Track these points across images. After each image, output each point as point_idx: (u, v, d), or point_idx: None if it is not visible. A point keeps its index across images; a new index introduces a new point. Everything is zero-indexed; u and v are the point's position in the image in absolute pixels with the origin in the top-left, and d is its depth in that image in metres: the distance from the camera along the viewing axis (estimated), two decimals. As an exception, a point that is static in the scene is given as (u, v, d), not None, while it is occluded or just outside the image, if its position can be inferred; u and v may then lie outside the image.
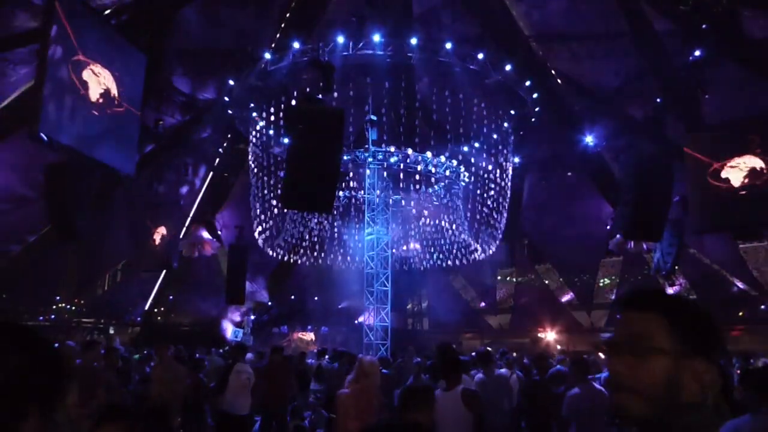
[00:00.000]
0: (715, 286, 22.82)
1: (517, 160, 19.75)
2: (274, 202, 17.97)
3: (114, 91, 13.94)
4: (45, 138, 11.75)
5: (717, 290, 22.83)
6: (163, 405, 6.19)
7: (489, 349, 8.73)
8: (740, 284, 22.41)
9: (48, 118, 11.81)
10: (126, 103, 14.32)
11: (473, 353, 9.07)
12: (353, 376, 5.18)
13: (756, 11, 16.12)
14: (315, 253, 20.83)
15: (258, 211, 18.45)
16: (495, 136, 17.68)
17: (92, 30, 13.38)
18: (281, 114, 16.09)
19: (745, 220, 16.07)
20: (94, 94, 13.37)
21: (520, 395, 8.68)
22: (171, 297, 27.49)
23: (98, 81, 13.43)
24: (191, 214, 23.85)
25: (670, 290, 22.67)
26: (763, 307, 21.93)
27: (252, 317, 26.76)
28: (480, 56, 15.31)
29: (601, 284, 27.93)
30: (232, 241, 22.70)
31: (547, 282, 28.91)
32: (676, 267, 20.75)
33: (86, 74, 13.06)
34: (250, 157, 18.40)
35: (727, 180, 15.68)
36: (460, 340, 27.67)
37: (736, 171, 15.64)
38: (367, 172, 17.95)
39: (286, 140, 16.39)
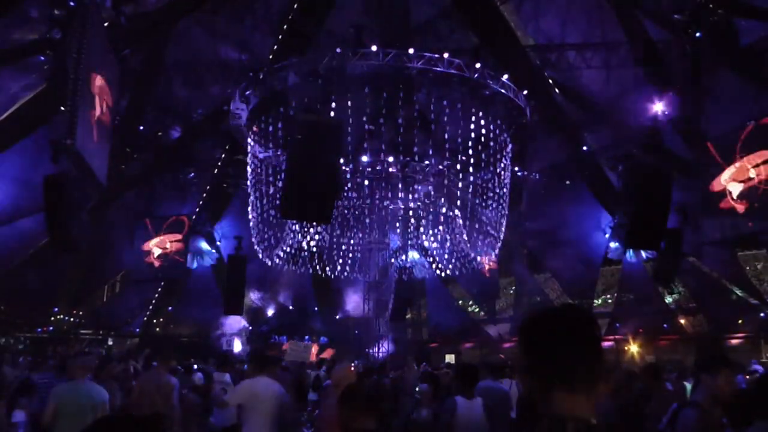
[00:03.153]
0: (714, 295, 22.78)
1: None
2: (273, 212, 17.98)
3: (109, 105, 14.16)
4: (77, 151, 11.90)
5: (716, 299, 22.79)
6: (154, 417, 6.10)
7: (502, 358, 8.73)
8: (739, 292, 22.38)
9: (77, 132, 11.96)
10: (111, 115, 14.57)
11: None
12: (331, 387, 5.25)
13: (752, 21, 16.20)
14: (314, 263, 20.82)
15: (257, 221, 18.45)
16: (493, 145, 17.72)
17: (102, 45, 13.57)
18: (280, 125, 16.13)
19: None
20: (102, 109, 13.61)
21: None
22: (170, 308, 27.42)
23: (105, 96, 13.67)
24: (190, 225, 23.83)
25: (668, 299, 22.69)
26: (762, 315, 21.88)
27: (250, 328, 26.71)
28: (477, 66, 15.37)
29: (601, 293, 27.88)
30: (231, 252, 22.70)
31: (546, 291, 28.86)
32: (675, 276, 20.74)
33: (97, 89, 13.32)
34: (248, 167, 18.42)
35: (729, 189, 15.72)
36: (459, 350, 27.62)
37: (737, 180, 15.68)
38: (366, 182, 17.98)
39: (285, 151, 16.43)
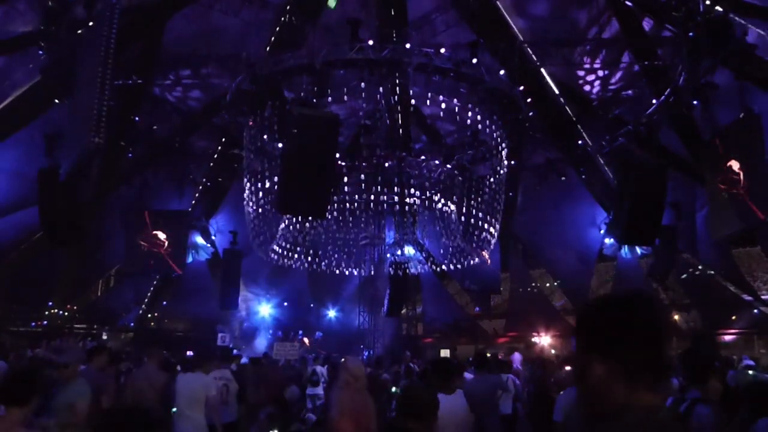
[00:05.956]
0: (708, 291, 22.86)
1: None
2: (269, 207, 17.94)
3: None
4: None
5: (710, 295, 22.87)
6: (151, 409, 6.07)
7: (487, 353, 8.73)
8: (733, 289, 22.47)
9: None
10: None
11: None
12: (342, 380, 5.20)
13: (747, 19, 16.24)
14: (309, 258, 20.81)
15: (252, 215, 18.40)
16: (489, 141, 17.70)
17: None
18: (275, 119, 16.07)
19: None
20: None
21: (513, 401, 8.71)
22: (165, 302, 27.37)
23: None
24: (186, 220, 23.75)
25: (663, 295, 22.77)
26: (755, 311, 21.98)
27: (246, 324, 26.68)
28: (474, 61, 15.33)
29: (596, 289, 27.96)
30: (227, 246, 22.65)
31: (541, 287, 28.93)
32: (670, 272, 20.81)
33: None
34: (244, 161, 18.37)
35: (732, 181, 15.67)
36: (455, 346, 27.67)
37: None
38: (362, 176, 17.95)
39: (280, 145, 16.39)
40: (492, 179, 18.25)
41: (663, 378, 1.45)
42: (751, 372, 9.99)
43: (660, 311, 1.48)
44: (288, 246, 20.06)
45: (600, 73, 20.98)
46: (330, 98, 14.71)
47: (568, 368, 9.10)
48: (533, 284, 28.96)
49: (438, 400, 3.46)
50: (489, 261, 22.43)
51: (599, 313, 1.50)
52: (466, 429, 5.01)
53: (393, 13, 18.21)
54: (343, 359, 6.19)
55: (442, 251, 20.25)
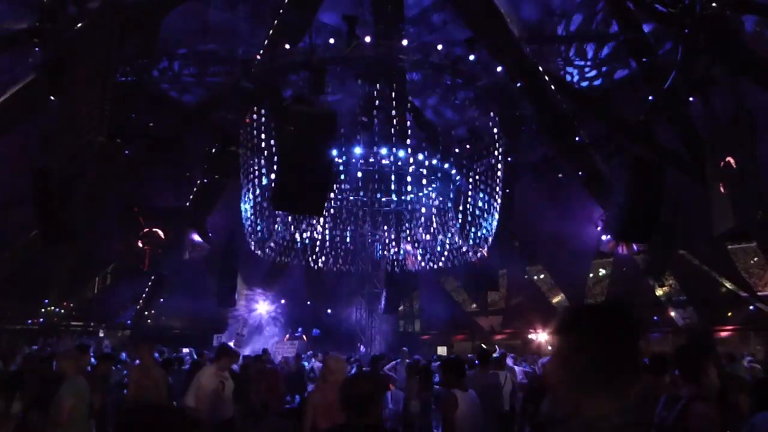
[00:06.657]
0: (704, 287, 22.92)
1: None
2: (266, 204, 17.91)
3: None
4: None
5: (706, 291, 22.93)
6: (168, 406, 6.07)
7: (486, 348, 8.75)
8: (729, 285, 22.52)
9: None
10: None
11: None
12: (321, 375, 5.24)
13: (747, 16, 16.24)
14: (306, 256, 20.78)
15: (249, 213, 18.37)
16: (486, 137, 17.69)
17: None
18: (272, 115, 16.03)
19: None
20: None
21: (511, 399, 8.73)
22: (161, 300, 27.33)
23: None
24: (182, 217, 23.69)
25: (659, 291, 22.80)
26: (751, 308, 22.04)
27: (243, 322, 26.64)
28: (471, 58, 15.31)
29: (592, 285, 28.00)
30: (223, 244, 22.61)
31: (538, 283, 28.97)
32: (666, 268, 20.83)
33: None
34: (241, 159, 18.32)
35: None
36: (451, 342, 27.72)
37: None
38: (359, 173, 17.92)
39: (278, 142, 16.35)
40: (489, 176, 18.24)
41: (622, 386, 1.43)
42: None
43: (632, 323, 1.47)
44: (285, 243, 20.04)
45: (598, 70, 20.96)
46: (327, 95, 14.68)
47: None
48: (530, 281, 29.01)
49: (380, 389, 3.43)
50: (487, 258, 22.44)
51: (568, 319, 1.52)
52: (481, 425, 5.16)
53: (389, 9, 18.14)
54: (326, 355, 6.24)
55: (439, 248, 20.25)
